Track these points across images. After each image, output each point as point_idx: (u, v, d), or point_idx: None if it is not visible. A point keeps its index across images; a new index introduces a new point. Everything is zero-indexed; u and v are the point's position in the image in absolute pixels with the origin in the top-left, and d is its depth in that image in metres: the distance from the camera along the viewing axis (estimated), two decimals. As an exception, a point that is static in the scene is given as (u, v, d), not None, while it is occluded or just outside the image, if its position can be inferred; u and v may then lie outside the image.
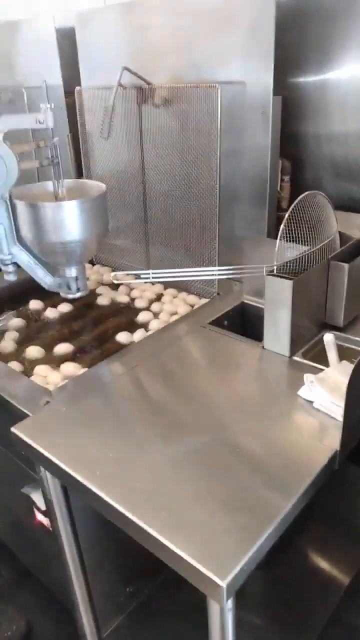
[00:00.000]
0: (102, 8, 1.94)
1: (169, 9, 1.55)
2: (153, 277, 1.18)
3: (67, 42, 1.87)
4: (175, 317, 1.53)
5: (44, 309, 1.67)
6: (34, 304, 1.69)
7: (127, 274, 1.35)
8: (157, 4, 1.60)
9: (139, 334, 1.45)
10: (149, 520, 0.82)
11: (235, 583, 0.74)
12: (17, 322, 1.60)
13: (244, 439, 0.98)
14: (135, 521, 0.83)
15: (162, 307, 1.62)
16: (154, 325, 1.50)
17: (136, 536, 0.85)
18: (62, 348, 1.44)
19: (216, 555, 0.76)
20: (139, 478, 0.91)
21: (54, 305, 1.67)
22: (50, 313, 1.64)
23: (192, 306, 1.59)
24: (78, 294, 1.50)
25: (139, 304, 1.66)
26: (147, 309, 1.63)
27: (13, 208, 1.37)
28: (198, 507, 0.84)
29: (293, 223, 1.17)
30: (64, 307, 1.66)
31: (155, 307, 1.62)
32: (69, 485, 1.07)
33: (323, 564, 1.60)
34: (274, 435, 0.98)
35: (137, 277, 1.23)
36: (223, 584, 0.72)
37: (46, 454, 0.98)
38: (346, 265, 1.19)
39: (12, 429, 1.05)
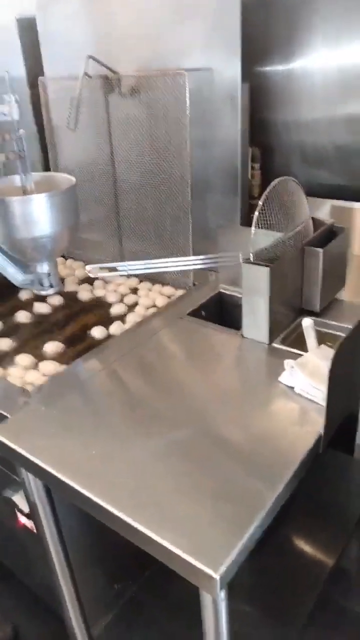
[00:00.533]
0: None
1: (132, -4, 1.52)
2: (129, 270, 1.16)
3: (29, 32, 1.82)
4: (152, 310, 1.51)
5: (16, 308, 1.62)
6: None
7: (102, 267, 1.32)
8: (120, -9, 1.56)
9: (115, 327, 1.43)
10: (136, 515, 0.81)
11: (228, 574, 0.74)
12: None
13: (227, 429, 0.97)
14: (123, 518, 0.81)
15: (137, 300, 1.59)
16: (131, 318, 1.48)
17: (124, 533, 0.83)
18: (38, 346, 1.40)
19: (207, 547, 0.76)
20: (124, 474, 0.90)
21: (27, 304, 1.62)
22: (22, 314, 1.58)
23: (168, 297, 1.57)
24: (51, 291, 1.47)
25: (113, 298, 1.63)
26: (122, 302, 1.60)
27: (-21, 204, 1.32)
28: (185, 500, 0.84)
29: (266, 210, 1.16)
30: (39, 306, 1.61)
31: (130, 300, 1.60)
32: (53, 486, 1.05)
33: (307, 548, 1.62)
34: (256, 423, 0.98)
35: (113, 269, 1.20)
36: (216, 575, 0.72)
37: (28, 456, 0.95)
38: (320, 251, 1.20)
39: (-10, 432, 1.02)
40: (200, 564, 0.74)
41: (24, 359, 1.32)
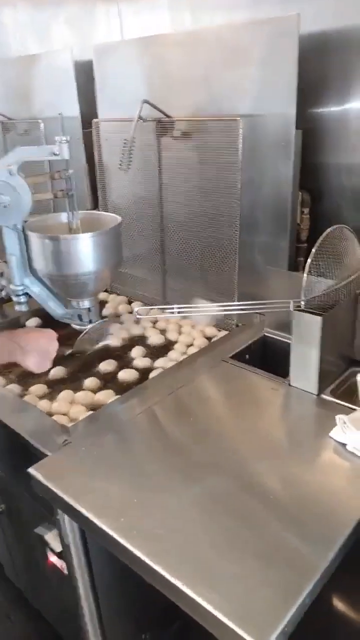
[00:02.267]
0: (120, 42, 1.97)
1: (188, 43, 1.56)
2: (178, 312, 1.15)
3: (85, 75, 1.89)
4: (193, 349, 1.50)
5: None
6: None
7: (151, 309, 1.32)
8: (175, 38, 1.61)
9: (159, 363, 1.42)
10: (177, 573, 0.78)
11: (275, 647, 0.69)
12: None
13: (273, 485, 0.93)
14: (164, 574, 0.78)
15: (178, 337, 1.58)
16: (172, 356, 1.47)
17: (163, 589, 0.80)
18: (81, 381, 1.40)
19: (254, 615, 0.71)
20: (164, 525, 0.86)
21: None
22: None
23: (209, 339, 1.55)
24: (89, 326, 1.47)
25: (155, 336, 1.62)
26: (165, 342, 1.59)
27: (26, 239, 1.35)
28: (229, 559, 0.80)
29: (318, 256, 1.14)
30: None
31: (172, 337, 1.59)
32: (90, 531, 1.02)
33: (349, 613, 1.53)
34: (305, 480, 0.94)
35: (162, 311, 1.19)
36: (263, 649, 0.67)
37: (66, 498, 0.94)
38: (374, 301, 1.16)
39: (30, 470, 1.00)
40: (245, 634, 0.69)
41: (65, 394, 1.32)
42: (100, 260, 1.33)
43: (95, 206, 1.95)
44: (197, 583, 0.76)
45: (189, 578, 0.77)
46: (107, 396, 1.30)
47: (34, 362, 1.19)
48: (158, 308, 1.24)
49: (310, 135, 1.59)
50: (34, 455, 1.07)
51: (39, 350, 1.19)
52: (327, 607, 1.54)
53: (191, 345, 1.54)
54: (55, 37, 2.28)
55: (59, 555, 1.23)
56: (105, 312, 1.79)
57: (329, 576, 0.79)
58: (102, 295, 1.93)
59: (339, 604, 1.55)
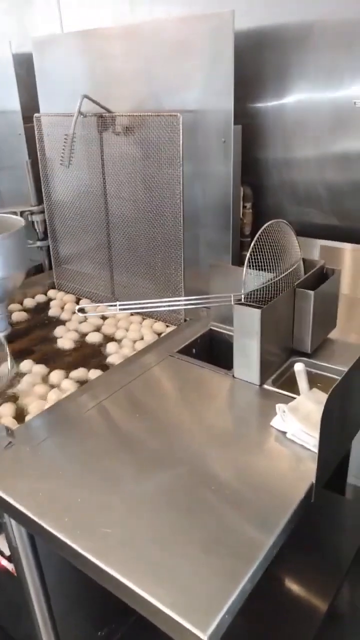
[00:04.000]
0: (60, 35, 1.93)
1: (127, 37, 1.56)
2: (120, 309, 1.15)
3: (25, 67, 1.85)
4: (140, 343, 1.50)
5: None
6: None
7: (94, 306, 1.31)
8: (116, 32, 1.60)
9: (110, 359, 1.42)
10: (122, 569, 0.78)
11: (218, 632, 0.71)
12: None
13: (219, 474, 0.95)
14: (109, 572, 0.78)
15: (126, 334, 1.58)
16: (122, 352, 1.47)
17: (109, 587, 0.80)
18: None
19: (196, 605, 0.73)
20: (111, 522, 0.87)
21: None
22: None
23: (159, 334, 1.56)
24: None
25: (105, 330, 1.62)
26: (113, 337, 1.59)
27: None
28: (174, 553, 0.81)
29: (258, 251, 1.17)
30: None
31: (120, 334, 1.59)
32: (36, 534, 1.01)
33: (300, 591, 1.58)
34: (249, 468, 0.96)
35: (106, 308, 1.18)
36: (205, 636, 0.69)
37: (10, 501, 0.92)
38: (312, 293, 1.20)
39: (-27, 475, 0.98)
40: (188, 623, 0.71)
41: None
42: (4, 266, 1.27)
43: (39, 202, 1.92)
44: (141, 578, 0.77)
45: (133, 574, 0.78)
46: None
47: None
48: (100, 306, 1.22)
49: (251, 130, 1.62)
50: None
51: None
52: (279, 588, 1.59)
53: (141, 339, 1.54)
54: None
55: (8, 558, 1.22)
56: (51, 311, 1.77)
57: (271, 559, 0.82)
58: (50, 293, 1.90)
59: (291, 585, 1.61)
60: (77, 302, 1.81)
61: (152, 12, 1.71)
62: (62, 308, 1.78)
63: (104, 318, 1.67)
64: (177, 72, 1.48)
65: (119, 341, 1.55)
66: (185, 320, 1.56)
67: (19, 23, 2.12)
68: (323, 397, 1.07)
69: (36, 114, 1.71)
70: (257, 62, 1.56)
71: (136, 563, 0.80)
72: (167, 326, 1.60)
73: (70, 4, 1.93)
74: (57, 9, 1.96)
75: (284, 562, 1.64)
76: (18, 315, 1.73)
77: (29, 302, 1.84)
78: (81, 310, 1.25)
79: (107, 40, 1.61)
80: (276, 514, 0.86)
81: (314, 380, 1.20)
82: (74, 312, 1.70)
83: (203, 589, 0.75)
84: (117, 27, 1.68)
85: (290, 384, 1.16)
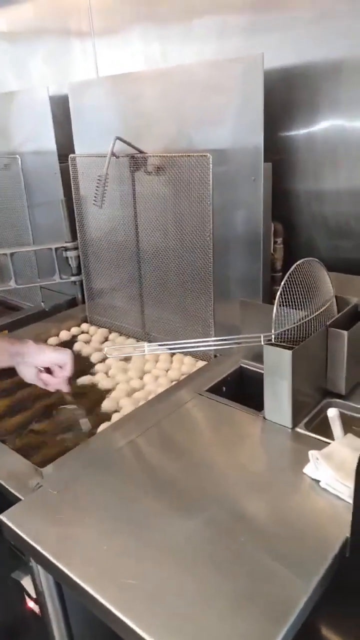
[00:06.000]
0: (94, 80, 2.00)
1: (159, 80, 1.60)
2: (148, 351, 1.14)
3: (62, 108, 1.92)
4: (164, 379, 1.50)
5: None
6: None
7: (120, 348, 1.31)
8: (148, 75, 1.65)
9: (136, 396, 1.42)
10: (145, 625, 0.75)
11: None
12: None
13: (250, 522, 0.92)
14: (133, 628, 0.76)
15: (154, 369, 1.57)
16: (149, 388, 1.46)
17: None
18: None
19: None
20: (136, 573, 0.84)
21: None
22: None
23: (182, 374, 1.54)
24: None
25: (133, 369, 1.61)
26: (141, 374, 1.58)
27: None
28: (204, 608, 0.77)
29: (288, 289, 1.15)
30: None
31: (148, 366, 1.58)
32: (59, 580, 1.00)
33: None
34: (280, 520, 0.92)
35: (132, 350, 1.19)
36: None
37: (35, 545, 0.91)
38: (345, 333, 1.16)
39: (1, 517, 0.98)
40: None
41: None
42: None
43: (73, 238, 1.96)
44: (162, 633, 0.74)
45: (156, 629, 0.75)
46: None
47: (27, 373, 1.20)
48: (127, 346, 1.22)
49: (282, 164, 1.62)
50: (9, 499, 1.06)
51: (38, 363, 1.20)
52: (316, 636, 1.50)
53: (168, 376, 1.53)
54: (33, 73, 2.32)
55: (35, 601, 1.20)
56: (79, 346, 1.79)
57: (304, 619, 0.78)
58: (84, 327, 1.92)
59: (329, 636, 1.52)
60: (106, 339, 1.83)
61: (181, 54, 1.75)
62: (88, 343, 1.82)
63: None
64: (207, 112, 1.50)
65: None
66: (215, 357, 1.55)
67: (57, 67, 2.22)
68: (358, 443, 1.03)
69: (71, 155, 1.77)
70: (286, 97, 1.57)
71: (160, 618, 0.77)
72: (197, 361, 1.59)
73: (104, 45, 2.00)
74: (93, 54, 2.04)
75: (321, 610, 1.56)
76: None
77: (64, 335, 1.89)
78: (108, 352, 1.25)
79: (139, 83, 1.66)
80: (309, 571, 0.82)
81: (348, 423, 1.15)
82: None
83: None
84: (149, 70, 1.73)
85: (324, 427, 1.12)
